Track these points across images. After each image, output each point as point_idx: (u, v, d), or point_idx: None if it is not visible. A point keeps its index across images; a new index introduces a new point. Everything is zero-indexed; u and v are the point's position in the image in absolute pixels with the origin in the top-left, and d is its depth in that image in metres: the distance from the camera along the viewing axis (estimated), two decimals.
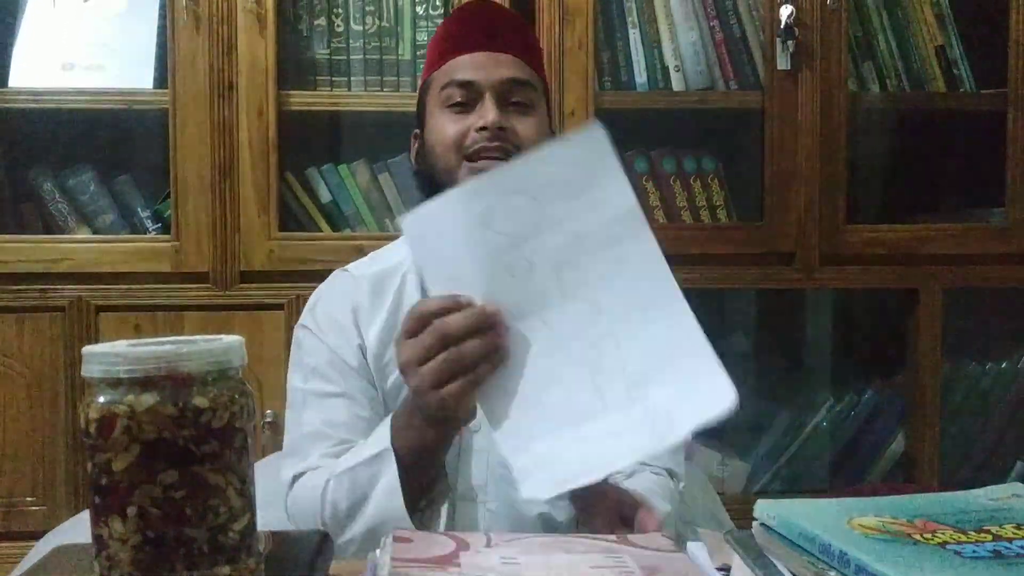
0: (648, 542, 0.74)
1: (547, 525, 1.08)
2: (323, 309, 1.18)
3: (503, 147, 1.11)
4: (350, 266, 1.23)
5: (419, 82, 1.25)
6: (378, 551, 0.69)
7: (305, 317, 1.19)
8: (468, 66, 1.15)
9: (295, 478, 1.08)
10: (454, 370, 0.81)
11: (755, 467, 1.96)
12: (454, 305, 0.81)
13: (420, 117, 1.21)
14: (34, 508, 1.75)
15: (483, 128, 1.11)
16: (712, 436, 1.99)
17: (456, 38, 1.18)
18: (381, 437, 0.97)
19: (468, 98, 1.14)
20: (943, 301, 1.87)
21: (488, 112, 1.11)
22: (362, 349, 1.14)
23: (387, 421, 0.98)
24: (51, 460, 1.76)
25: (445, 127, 1.14)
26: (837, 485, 1.96)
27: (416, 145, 1.23)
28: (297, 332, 1.19)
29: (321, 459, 1.08)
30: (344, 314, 1.16)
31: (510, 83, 1.14)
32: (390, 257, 1.21)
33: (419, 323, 0.83)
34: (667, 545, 0.73)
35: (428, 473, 0.98)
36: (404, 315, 0.87)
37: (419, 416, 0.92)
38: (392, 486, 0.95)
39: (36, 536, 1.35)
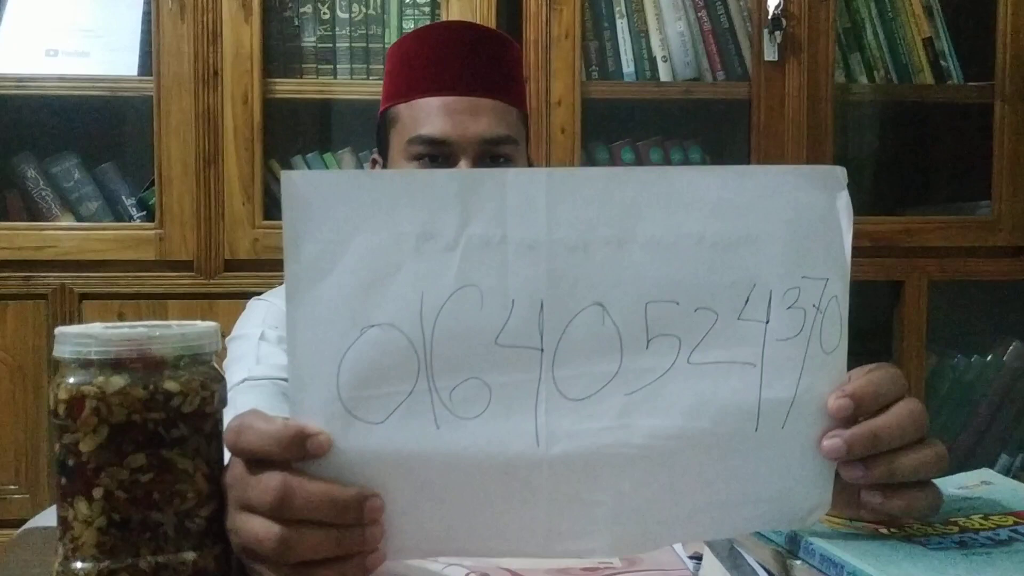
0: None
1: None
2: (255, 311, 1.12)
3: None
4: (264, 295, 1.15)
5: (384, 99, 1.13)
6: None
7: (263, 297, 1.13)
8: (440, 115, 1.02)
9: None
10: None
11: None
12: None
13: (381, 145, 1.12)
14: (17, 496, 1.75)
15: None
16: None
17: (427, 70, 1.05)
18: None
19: (440, 154, 1.03)
20: (928, 293, 1.88)
21: None
22: None
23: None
24: (34, 448, 1.75)
25: None
26: None
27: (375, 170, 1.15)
28: (251, 303, 1.14)
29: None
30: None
31: (489, 143, 1.04)
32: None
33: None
34: None
35: None
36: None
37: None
38: None
39: (20, 524, 1.34)
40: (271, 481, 0.50)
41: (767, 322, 0.55)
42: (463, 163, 1.03)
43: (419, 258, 0.52)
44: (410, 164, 1.05)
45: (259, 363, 1.03)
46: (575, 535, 0.55)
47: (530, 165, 1.17)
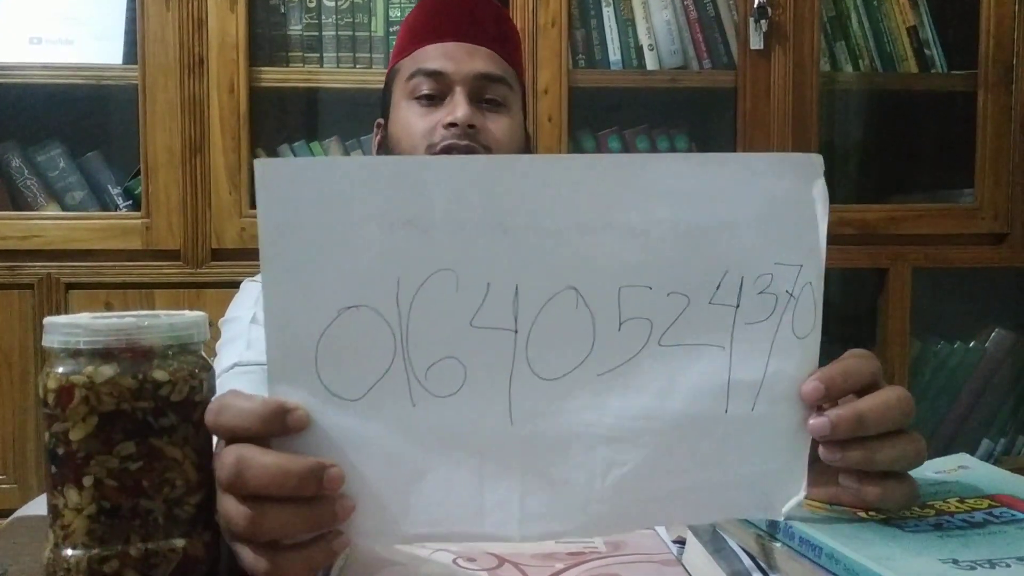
0: None
1: None
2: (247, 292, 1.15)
3: (472, 146, 1.05)
4: (258, 277, 1.15)
5: (391, 60, 1.20)
6: None
7: (256, 278, 1.13)
8: (439, 56, 1.08)
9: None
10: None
11: None
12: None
13: (385, 105, 1.16)
14: (5, 486, 1.75)
15: (452, 124, 1.05)
16: None
17: (429, 25, 1.12)
18: None
19: (437, 90, 1.08)
20: (912, 281, 1.90)
21: (458, 107, 1.05)
22: None
23: None
24: (22, 438, 1.75)
25: (411, 120, 1.08)
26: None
27: (379, 135, 1.18)
28: (244, 284, 1.15)
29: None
30: None
31: (483, 78, 1.08)
32: None
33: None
34: None
35: None
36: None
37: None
38: None
39: (8, 514, 1.34)
40: (228, 456, 0.51)
41: (737, 306, 0.56)
42: (458, 93, 1.06)
43: (395, 241, 0.52)
44: (410, 102, 1.09)
45: (249, 347, 1.03)
46: (548, 516, 0.56)
47: (528, 140, 1.18)
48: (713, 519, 0.60)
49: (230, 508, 0.52)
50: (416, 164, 0.55)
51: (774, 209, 0.56)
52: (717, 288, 0.56)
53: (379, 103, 1.20)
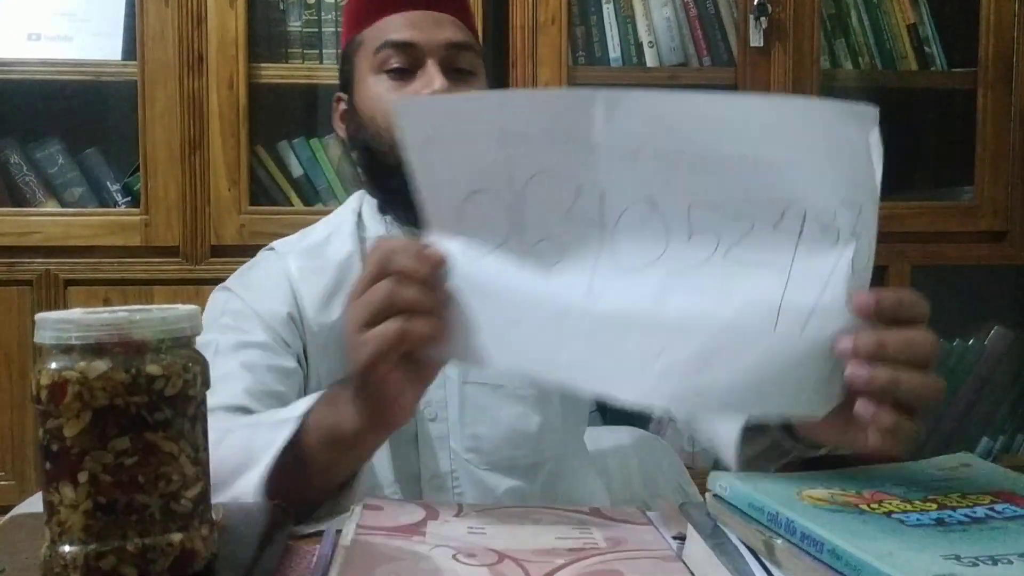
0: (619, 514, 0.75)
1: (517, 496, 1.07)
2: (250, 274, 1.09)
3: None
4: (276, 244, 1.13)
5: (345, 34, 1.13)
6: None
7: (227, 282, 1.09)
8: (406, 26, 1.04)
9: None
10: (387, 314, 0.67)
11: None
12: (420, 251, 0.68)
13: (347, 80, 1.10)
14: (3, 483, 1.75)
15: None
16: None
17: None
18: (298, 405, 0.80)
19: (408, 63, 1.03)
20: (911, 278, 1.89)
21: (434, 79, 1.01)
22: (294, 320, 1.03)
23: (315, 395, 0.81)
24: (20, 434, 1.75)
25: (384, 95, 1.03)
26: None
27: (339, 110, 1.13)
28: (214, 294, 1.07)
29: (239, 395, 0.93)
30: (275, 280, 1.06)
31: (454, 47, 1.04)
32: (322, 230, 1.13)
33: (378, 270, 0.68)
34: (637, 517, 0.74)
35: (336, 465, 0.77)
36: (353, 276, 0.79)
37: (348, 394, 0.73)
38: (258, 481, 0.74)
39: (6, 511, 1.34)
40: (377, 251, 0.69)
41: (800, 235, 0.61)
42: (430, 65, 1.03)
43: (512, 150, 0.66)
44: (379, 76, 1.04)
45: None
46: (607, 380, 0.66)
47: None
48: (744, 414, 0.67)
49: (377, 289, 0.67)
50: (524, 96, 0.76)
51: (835, 152, 0.61)
52: (782, 217, 0.61)
53: (340, 76, 1.14)
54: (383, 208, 1.11)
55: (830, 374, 0.61)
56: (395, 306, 0.67)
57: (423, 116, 0.69)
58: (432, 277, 0.68)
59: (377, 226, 1.11)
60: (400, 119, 0.69)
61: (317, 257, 1.08)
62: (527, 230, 0.67)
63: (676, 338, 0.63)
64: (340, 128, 1.14)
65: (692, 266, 0.63)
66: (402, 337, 0.67)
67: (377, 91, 1.04)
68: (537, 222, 0.67)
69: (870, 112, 0.60)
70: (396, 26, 1.04)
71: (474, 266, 0.68)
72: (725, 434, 0.71)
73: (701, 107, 0.62)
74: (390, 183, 1.02)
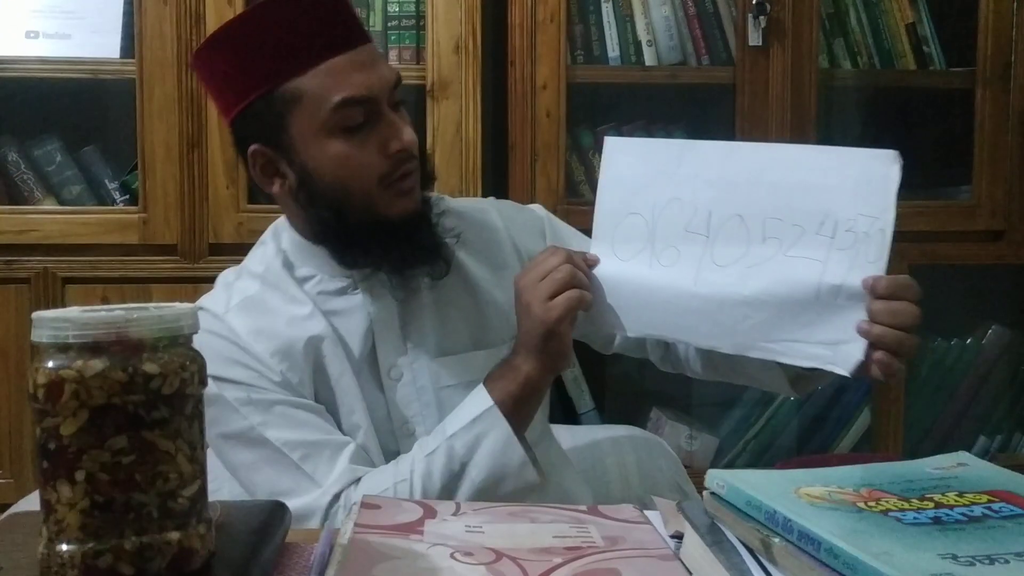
0: (616, 513, 0.75)
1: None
2: (213, 349, 0.99)
3: (414, 162, 1.02)
4: (205, 303, 1.07)
5: (246, 90, 0.99)
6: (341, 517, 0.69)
7: (211, 380, 0.84)
8: (355, 72, 0.97)
9: (333, 500, 0.97)
10: (561, 289, 0.95)
11: (723, 441, 1.99)
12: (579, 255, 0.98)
13: (272, 136, 0.99)
14: (2, 481, 1.75)
15: (400, 151, 0.99)
16: (681, 410, 2.01)
17: (308, 35, 0.97)
18: (473, 403, 0.99)
19: (365, 115, 0.98)
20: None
21: (403, 132, 0.99)
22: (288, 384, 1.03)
23: (477, 388, 1.00)
24: (18, 433, 1.75)
25: (354, 156, 0.98)
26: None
27: (260, 164, 1.02)
28: (209, 391, 0.85)
29: (353, 463, 1.00)
30: (243, 343, 1.03)
31: (393, 86, 1.00)
32: (250, 283, 1.07)
33: (555, 258, 0.97)
34: (635, 516, 0.75)
35: (531, 416, 1.02)
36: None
37: (521, 356, 0.98)
38: (504, 440, 0.97)
39: (4, 508, 1.34)
40: (563, 269, 0.96)
41: (832, 238, 0.89)
42: (390, 115, 1.00)
43: (654, 183, 0.98)
44: (340, 137, 0.98)
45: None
46: (710, 336, 0.95)
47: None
48: (802, 363, 0.92)
49: (561, 270, 0.96)
50: (677, 147, 1.00)
51: (861, 181, 0.88)
52: (821, 225, 0.89)
53: (246, 129, 1.02)
54: (344, 261, 1.05)
55: (854, 332, 0.87)
56: (571, 283, 0.95)
57: (626, 155, 1.00)
58: (587, 270, 0.98)
59: (306, 266, 1.07)
60: (609, 154, 1.00)
61: (261, 314, 1.04)
62: (657, 241, 0.97)
63: (754, 308, 0.92)
64: (271, 184, 1.03)
65: (764, 260, 0.92)
66: (580, 301, 0.96)
67: (345, 152, 0.98)
68: (664, 235, 0.97)
69: (892, 155, 0.87)
70: (346, 74, 0.97)
71: (621, 265, 0.99)
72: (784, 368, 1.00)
73: (774, 151, 0.95)
74: (357, 239, 1.01)
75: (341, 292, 1.07)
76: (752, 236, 0.93)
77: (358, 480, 0.99)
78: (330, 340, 1.04)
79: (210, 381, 0.91)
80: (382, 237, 1.02)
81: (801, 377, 1.02)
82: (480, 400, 0.99)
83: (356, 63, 0.98)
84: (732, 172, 0.95)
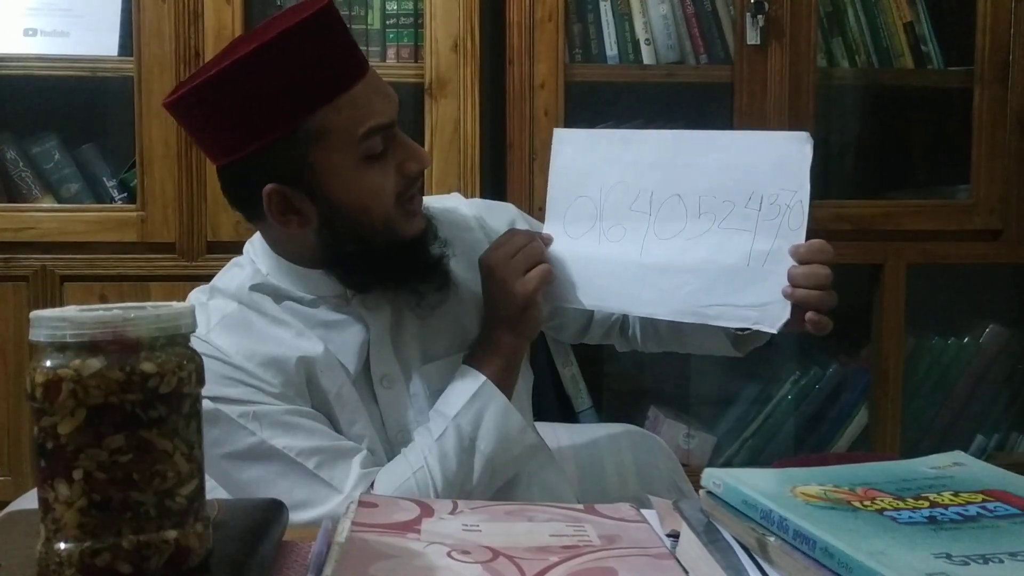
0: (613, 512, 0.75)
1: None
2: (213, 385, 0.93)
3: (421, 180, 1.05)
4: (198, 344, 0.96)
5: (261, 131, 0.95)
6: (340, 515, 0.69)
7: (208, 400, 0.95)
8: (375, 98, 0.98)
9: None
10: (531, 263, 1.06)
11: (721, 439, 1.99)
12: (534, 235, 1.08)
13: (295, 174, 0.97)
14: (0, 479, 1.74)
15: (420, 172, 1.03)
16: (679, 408, 2.02)
17: (323, 67, 0.95)
18: (465, 383, 1.05)
19: (388, 136, 0.99)
20: (907, 276, 1.90)
21: (421, 154, 1.02)
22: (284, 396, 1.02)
23: (462, 369, 1.07)
24: (16, 431, 1.75)
25: (377, 182, 0.99)
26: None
27: (276, 203, 0.99)
28: (208, 411, 0.83)
29: (367, 471, 1.00)
30: (236, 359, 1.01)
31: (399, 109, 1.01)
32: (224, 305, 1.05)
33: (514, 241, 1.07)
34: (632, 515, 0.75)
35: (514, 383, 1.10)
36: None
37: (500, 329, 1.07)
38: (503, 410, 1.04)
39: (2, 506, 1.34)
40: (530, 249, 1.08)
41: (759, 210, 1.01)
42: (403, 137, 1.01)
43: (600, 168, 1.10)
44: (363, 165, 0.98)
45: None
46: (652, 303, 1.06)
47: None
48: (733, 325, 1.04)
49: (533, 247, 1.07)
50: (621, 136, 1.12)
51: (781, 160, 1.01)
52: (748, 200, 1.02)
53: (259, 171, 0.98)
54: (353, 284, 1.05)
55: (780, 294, 0.99)
56: (539, 258, 1.06)
57: (574, 144, 1.13)
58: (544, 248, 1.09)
59: (296, 288, 1.06)
60: (557, 144, 1.13)
61: (245, 331, 1.02)
62: (605, 219, 1.09)
63: (691, 276, 1.04)
64: (286, 223, 1.00)
65: (700, 233, 1.04)
66: (548, 274, 1.07)
67: (370, 179, 0.99)
68: (611, 214, 1.09)
69: (804, 135, 1.00)
70: (369, 101, 0.97)
71: (572, 243, 1.10)
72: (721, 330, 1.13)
73: (707, 137, 1.06)
74: (373, 263, 1.02)
75: (335, 308, 1.06)
76: (689, 212, 1.05)
77: (373, 481, 1.00)
78: (322, 357, 1.03)
79: (208, 402, 0.93)
80: (397, 257, 1.04)
81: (740, 338, 1.14)
82: (472, 378, 1.06)
83: (372, 90, 0.98)
84: (671, 157, 1.06)
